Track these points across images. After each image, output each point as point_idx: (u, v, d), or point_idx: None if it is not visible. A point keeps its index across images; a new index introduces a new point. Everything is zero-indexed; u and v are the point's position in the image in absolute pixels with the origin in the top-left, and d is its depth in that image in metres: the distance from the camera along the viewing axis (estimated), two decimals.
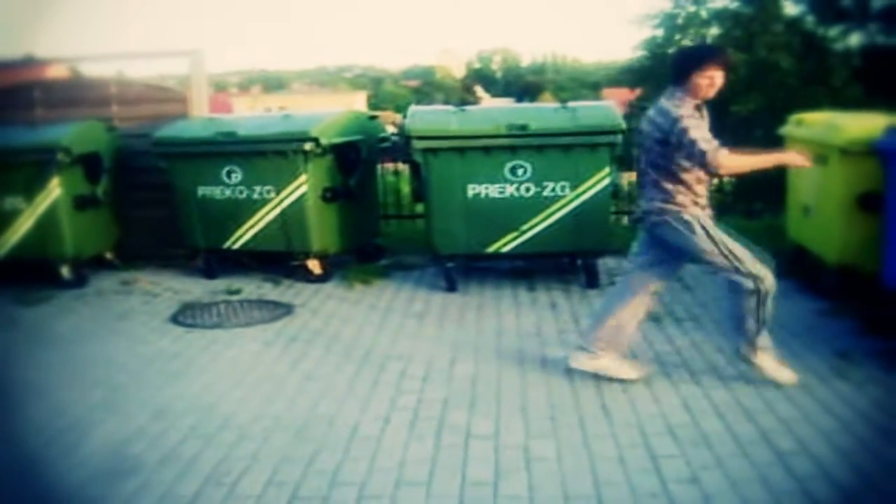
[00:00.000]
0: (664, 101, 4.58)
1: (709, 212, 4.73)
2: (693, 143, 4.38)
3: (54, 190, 7.53)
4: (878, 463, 3.83)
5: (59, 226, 7.61)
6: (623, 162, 9.08)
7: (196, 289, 7.55)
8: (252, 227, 7.54)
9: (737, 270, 4.59)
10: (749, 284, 4.58)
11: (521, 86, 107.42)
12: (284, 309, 6.78)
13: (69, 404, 4.91)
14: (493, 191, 6.87)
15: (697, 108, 4.53)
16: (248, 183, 7.47)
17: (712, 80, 4.48)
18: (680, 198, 4.62)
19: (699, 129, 4.41)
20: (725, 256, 4.59)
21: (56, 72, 9.96)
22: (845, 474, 3.72)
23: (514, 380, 5.05)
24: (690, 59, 4.59)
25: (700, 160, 4.42)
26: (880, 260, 5.53)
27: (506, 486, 3.75)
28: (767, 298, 4.59)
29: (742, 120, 16.49)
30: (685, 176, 4.58)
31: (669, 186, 4.62)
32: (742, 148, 4.72)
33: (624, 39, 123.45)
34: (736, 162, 4.45)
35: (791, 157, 4.71)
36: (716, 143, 4.40)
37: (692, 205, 4.63)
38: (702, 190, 4.67)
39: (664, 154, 4.56)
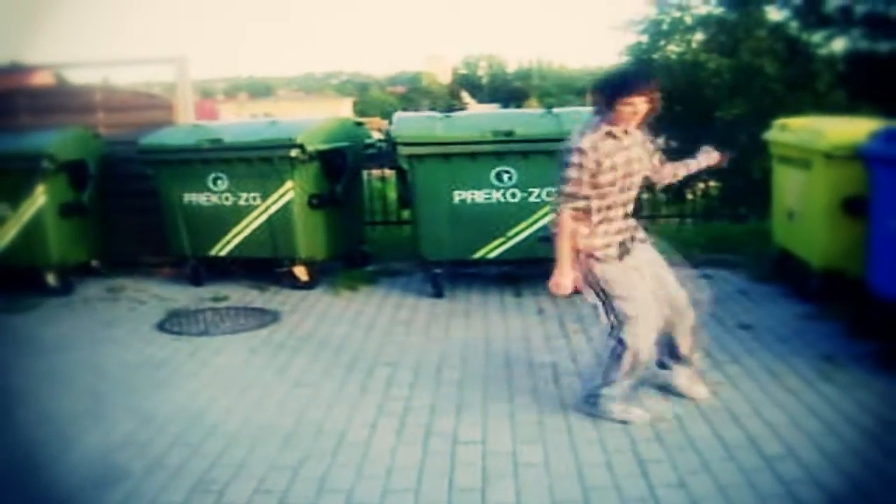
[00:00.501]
0: (579, 128, 4.35)
1: (622, 239, 4.39)
2: (561, 179, 4.25)
3: (39, 197, 7.50)
4: (865, 466, 3.85)
5: (45, 233, 7.58)
6: None
7: (182, 296, 7.53)
8: (238, 234, 7.53)
9: (612, 327, 4.40)
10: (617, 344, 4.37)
11: (507, 92, 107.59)
12: (271, 316, 6.77)
13: (55, 413, 4.88)
14: (479, 196, 6.88)
15: (612, 134, 4.27)
16: (234, 190, 7.46)
17: (635, 107, 4.24)
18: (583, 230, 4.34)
19: (577, 171, 4.19)
20: (606, 312, 4.40)
21: (41, 78, 9.92)
22: (832, 478, 3.73)
23: (502, 385, 5.06)
24: (614, 86, 4.32)
25: (556, 196, 4.31)
26: (865, 264, 5.55)
27: (493, 492, 3.75)
28: (631, 364, 4.36)
29: (727, 125, 16.51)
30: (591, 204, 4.30)
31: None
32: (727, 153, 4.75)
33: (609, 45, 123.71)
34: (562, 226, 4.27)
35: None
36: (575, 204, 4.22)
37: (593, 238, 4.34)
38: (614, 215, 4.36)
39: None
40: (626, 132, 4.33)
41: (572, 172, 4.21)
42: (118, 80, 12.61)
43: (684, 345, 4.64)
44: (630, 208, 4.45)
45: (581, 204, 4.26)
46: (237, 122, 9.86)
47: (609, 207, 4.33)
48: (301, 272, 7.57)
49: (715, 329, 5.95)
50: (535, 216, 6.84)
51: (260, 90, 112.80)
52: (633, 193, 4.42)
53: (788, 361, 5.22)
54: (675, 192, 16.28)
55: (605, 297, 4.37)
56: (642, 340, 4.33)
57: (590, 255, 4.33)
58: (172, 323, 6.69)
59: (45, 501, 3.88)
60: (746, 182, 14.20)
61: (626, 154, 4.31)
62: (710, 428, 4.31)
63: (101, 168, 8.20)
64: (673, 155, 4.89)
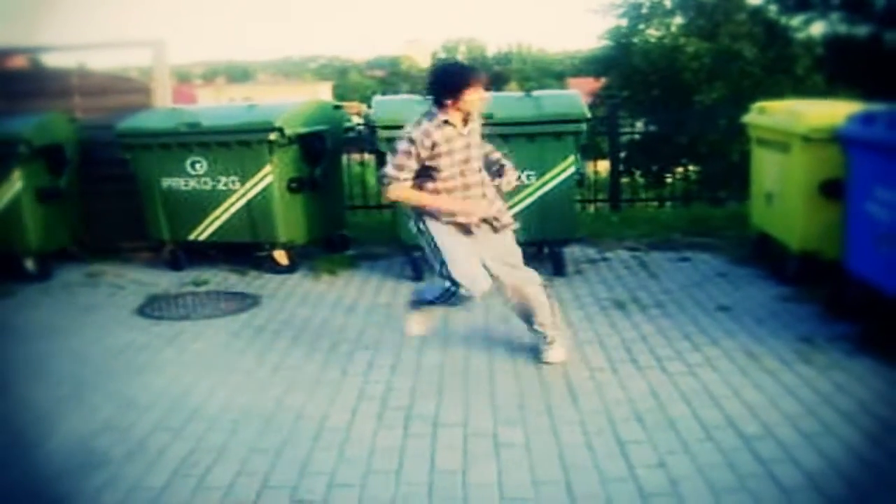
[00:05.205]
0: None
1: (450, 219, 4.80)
2: (387, 164, 4.76)
3: (16, 182, 7.44)
4: (842, 446, 3.89)
5: (22, 219, 7.53)
6: (588, 151, 9.12)
7: (162, 281, 7.50)
8: (217, 218, 7.50)
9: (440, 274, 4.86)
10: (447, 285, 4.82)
11: (487, 76, 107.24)
12: (251, 300, 6.76)
13: (35, 399, 4.86)
14: None
15: (447, 122, 4.66)
16: (212, 174, 7.42)
17: (470, 101, 4.66)
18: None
19: (403, 157, 4.64)
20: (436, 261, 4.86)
21: (16, 62, 9.83)
22: (810, 457, 3.77)
23: (482, 368, 5.07)
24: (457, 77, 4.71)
25: (379, 180, 5.05)
26: (842, 246, 5.60)
27: (475, 474, 3.76)
28: (457, 298, 4.83)
29: (706, 109, 16.60)
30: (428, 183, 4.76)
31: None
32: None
33: (588, 29, 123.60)
34: (401, 195, 4.76)
35: (464, 206, 4.79)
36: (402, 175, 4.65)
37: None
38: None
39: None
40: (465, 122, 4.74)
41: (399, 159, 4.66)
42: (94, 65, 12.50)
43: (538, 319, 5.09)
44: (477, 191, 4.83)
45: (407, 178, 4.70)
46: (215, 105, 9.80)
47: (448, 189, 4.75)
48: (281, 256, 7.55)
49: (694, 311, 6.00)
50: (515, 199, 6.83)
51: (238, 74, 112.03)
52: (474, 177, 4.82)
53: (766, 343, 5.26)
54: (655, 176, 16.37)
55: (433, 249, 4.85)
56: (465, 280, 4.74)
57: (426, 213, 4.82)
58: (152, 308, 6.67)
59: (25, 487, 3.87)
60: (725, 165, 14.28)
61: (465, 141, 4.73)
62: (690, 408, 4.34)
63: (78, 153, 8.15)
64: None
